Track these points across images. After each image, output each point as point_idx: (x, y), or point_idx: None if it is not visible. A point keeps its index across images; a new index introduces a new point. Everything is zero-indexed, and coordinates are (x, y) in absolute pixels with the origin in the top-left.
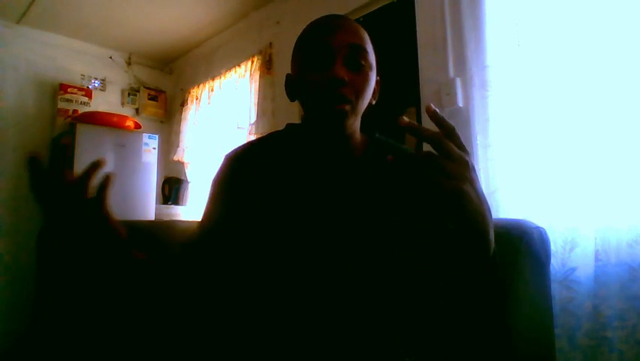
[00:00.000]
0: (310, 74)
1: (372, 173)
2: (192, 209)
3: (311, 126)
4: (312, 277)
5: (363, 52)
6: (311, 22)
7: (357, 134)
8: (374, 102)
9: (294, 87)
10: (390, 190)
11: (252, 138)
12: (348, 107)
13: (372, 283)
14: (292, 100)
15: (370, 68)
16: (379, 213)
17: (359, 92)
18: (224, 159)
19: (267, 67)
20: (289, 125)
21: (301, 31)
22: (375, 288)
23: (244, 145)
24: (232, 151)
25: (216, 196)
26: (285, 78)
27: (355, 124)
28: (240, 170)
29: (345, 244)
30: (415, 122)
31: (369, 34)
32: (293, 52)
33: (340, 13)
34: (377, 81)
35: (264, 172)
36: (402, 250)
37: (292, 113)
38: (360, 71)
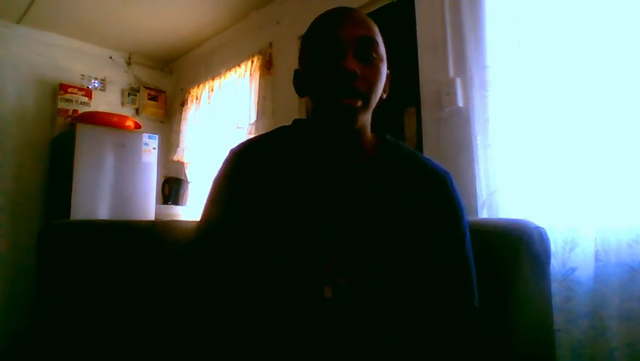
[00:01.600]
0: (319, 67)
1: (381, 175)
2: (192, 209)
3: (320, 122)
4: (316, 276)
5: (374, 43)
6: (319, 15)
7: (368, 131)
8: (385, 96)
9: (303, 82)
10: (398, 194)
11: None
12: (359, 102)
13: (375, 284)
14: (301, 96)
15: (381, 60)
16: (386, 216)
17: (371, 85)
18: (230, 153)
19: (267, 67)
20: (297, 121)
21: (300, 30)
22: (378, 290)
23: (250, 140)
24: (238, 146)
25: (221, 192)
26: (292, 75)
27: (366, 118)
28: (246, 165)
29: (351, 244)
30: None
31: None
32: (301, 46)
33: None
34: (387, 75)
35: (270, 169)
36: (404, 253)
37: (292, 113)
38: (371, 63)
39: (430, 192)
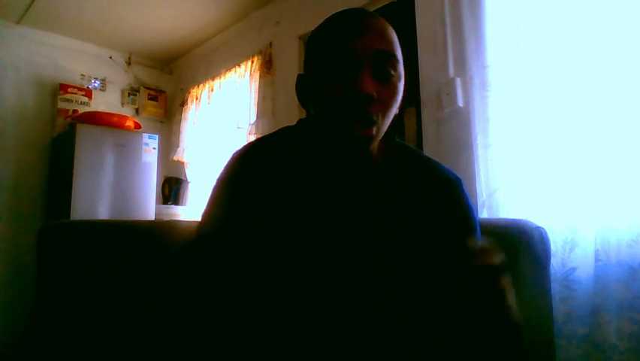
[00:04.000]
0: (330, 83)
1: (391, 180)
2: (192, 209)
3: (328, 145)
4: (321, 285)
5: (394, 60)
6: (332, 17)
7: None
8: (397, 113)
9: (309, 93)
10: (411, 200)
11: (252, 138)
12: (373, 131)
13: (381, 296)
14: (305, 107)
15: (399, 78)
16: (398, 223)
17: (387, 109)
18: (233, 158)
19: (267, 67)
20: (301, 122)
21: (300, 30)
22: (385, 300)
23: (253, 143)
24: (241, 149)
25: (223, 197)
26: (295, 79)
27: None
28: (250, 171)
29: (358, 252)
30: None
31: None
32: (308, 49)
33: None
34: (405, 86)
35: (275, 175)
36: (413, 262)
37: (292, 113)
38: (388, 82)
39: (444, 198)
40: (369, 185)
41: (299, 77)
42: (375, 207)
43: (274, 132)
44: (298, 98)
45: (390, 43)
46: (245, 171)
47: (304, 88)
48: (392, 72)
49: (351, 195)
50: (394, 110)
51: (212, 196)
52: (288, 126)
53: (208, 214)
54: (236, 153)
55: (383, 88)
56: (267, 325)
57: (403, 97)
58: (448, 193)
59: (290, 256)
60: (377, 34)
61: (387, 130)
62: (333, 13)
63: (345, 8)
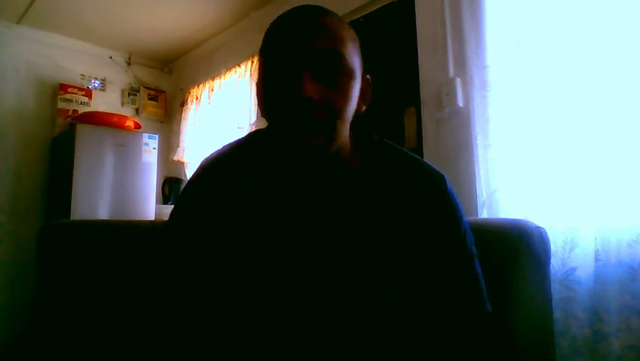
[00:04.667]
0: (272, 90)
1: (368, 182)
2: None
3: (276, 146)
4: (290, 291)
5: (340, 58)
6: (278, 17)
7: (346, 144)
8: (364, 108)
9: (260, 101)
10: (388, 201)
11: None
12: (322, 139)
13: (353, 296)
14: (263, 116)
15: (351, 75)
16: (375, 227)
17: (337, 112)
18: (200, 165)
19: None
20: (263, 130)
21: None
22: (369, 305)
23: (221, 151)
24: (209, 157)
25: (187, 206)
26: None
27: (340, 142)
28: (214, 180)
29: (316, 259)
30: None
31: (370, 31)
32: (259, 52)
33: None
34: (367, 81)
35: (239, 185)
36: (398, 262)
37: None
38: (336, 83)
39: (425, 195)
40: (342, 191)
41: (257, 85)
42: (349, 212)
43: (244, 137)
44: (259, 107)
45: (335, 39)
46: (208, 182)
47: (259, 96)
48: (339, 72)
49: (321, 204)
50: (349, 110)
51: (176, 203)
52: (258, 130)
53: (172, 215)
54: (202, 162)
55: (329, 90)
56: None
57: (404, 95)
58: (431, 189)
59: (241, 264)
60: (317, 32)
61: (366, 129)
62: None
63: (341, 9)
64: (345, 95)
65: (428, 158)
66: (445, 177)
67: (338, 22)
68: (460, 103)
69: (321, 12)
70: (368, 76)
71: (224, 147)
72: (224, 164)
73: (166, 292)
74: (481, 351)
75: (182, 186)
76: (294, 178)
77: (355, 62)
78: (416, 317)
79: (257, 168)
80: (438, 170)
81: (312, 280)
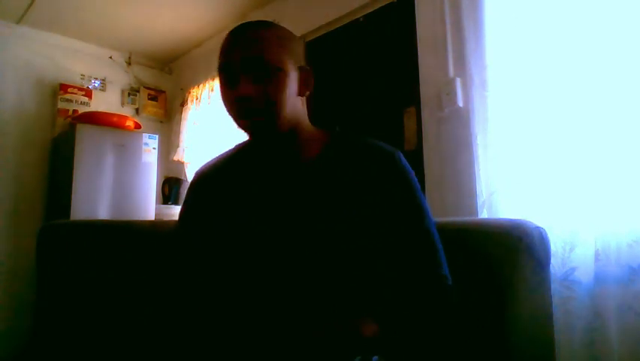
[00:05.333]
0: (224, 92)
1: (326, 169)
2: None
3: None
4: (265, 271)
5: (263, 62)
6: (226, 35)
7: (305, 132)
8: (308, 93)
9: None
10: (343, 182)
11: None
12: (261, 118)
13: (319, 264)
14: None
15: (279, 70)
16: (332, 205)
17: (272, 99)
18: (195, 175)
19: None
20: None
21: (300, 30)
22: (321, 266)
23: (211, 162)
24: (201, 168)
25: (186, 210)
26: None
27: (288, 121)
28: (204, 186)
29: (295, 238)
30: None
31: (365, 34)
32: None
33: (263, 21)
34: (307, 71)
35: (223, 187)
36: (356, 234)
37: None
38: (267, 79)
39: (377, 170)
40: (302, 179)
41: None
42: (308, 197)
43: (230, 149)
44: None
45: (257, 48)
46: (199, 187)
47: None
48: (267, 72)
49: (285, 192)
50: (286, 96)
51: (180, 210)
52: (243, 142)
53: (177, 224)
54: (196, 172)
55: (263, 86)
56: (224, 312)
57: (404, 95)
58: (383, 164)
59: (225, 248)
60: (245, 43)
61: (329, 123)
62: (327, 14)
63: (341, 9)
64: (277, 87)
65: (428, 158)
66: (398, 152)
67: (267, 32)
68: (460, 103)
69: (254, 26)
70: (308, 67)
71: (216, 156)
72: (213, 169)
73: (176, 288)
74: (427, 306)
75: (182, 186)
76: (262, 171)
77: (282, 58)
78: (376, 275)
79: (237, 168)
80: (391, 147)
81: (289, 258)
